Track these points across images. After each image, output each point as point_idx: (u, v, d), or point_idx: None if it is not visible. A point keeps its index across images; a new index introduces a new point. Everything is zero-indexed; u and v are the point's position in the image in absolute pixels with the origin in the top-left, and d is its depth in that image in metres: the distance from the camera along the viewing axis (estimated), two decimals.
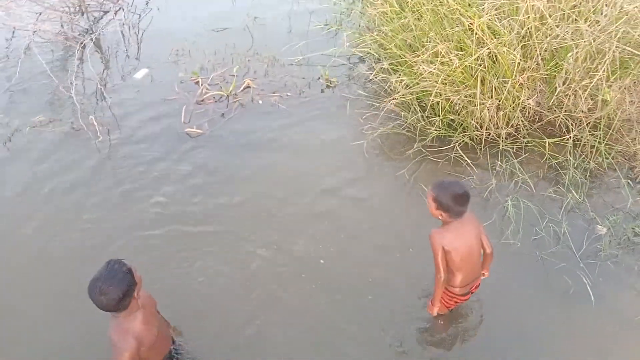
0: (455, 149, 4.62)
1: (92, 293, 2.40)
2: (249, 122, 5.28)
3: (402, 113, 4.91)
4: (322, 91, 5.65)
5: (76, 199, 4.52)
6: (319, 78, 5.79)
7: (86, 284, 2.44)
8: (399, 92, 4.84)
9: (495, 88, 4.57)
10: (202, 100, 5.56)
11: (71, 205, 4.45)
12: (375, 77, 5.14)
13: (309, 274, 3.82)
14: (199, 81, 5.80)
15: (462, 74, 4.58)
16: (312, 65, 5.97)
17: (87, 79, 5.96)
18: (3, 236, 4.19)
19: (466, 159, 4.55)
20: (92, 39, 6.63)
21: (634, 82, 4.72)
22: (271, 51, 6.23)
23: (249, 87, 5.71)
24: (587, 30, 4.38)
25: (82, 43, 6.45)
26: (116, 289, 2.39)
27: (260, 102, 5.53)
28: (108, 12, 7.46)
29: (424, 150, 4.70)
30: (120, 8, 7.50)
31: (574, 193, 4.16)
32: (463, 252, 2.90)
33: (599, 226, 4.00)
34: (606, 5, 4.58)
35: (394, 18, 5.19)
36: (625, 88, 4.61)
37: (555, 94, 4.60)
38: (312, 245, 4.03)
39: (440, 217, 2.88)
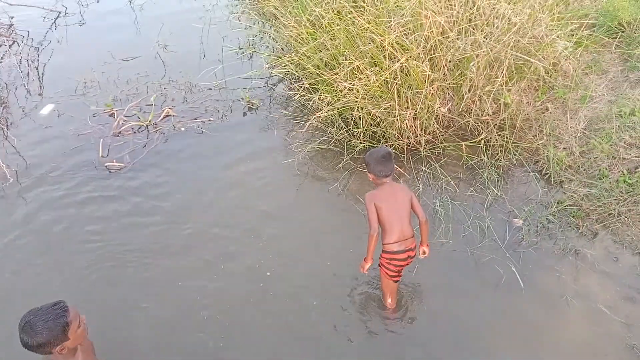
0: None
1: (20, 325, 2.25)
2: (172, 151, 5.13)
3: (328, 129, 5.05)
4: (245, 114, 5.65)
5: None
6: (240, 101, 5.78)
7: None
8: (321, 109, 4.99)
9: (410, 99, 4.87)
10: (120, 132, 5.32)
11: None
12: (299, 97, 5.24)
13: (256, 292, 3.78)
14: (113, 113, 5.55)
15: (379, 88, 4.83)
16: (231, 89, 5.96)
17: None
18: None
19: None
20: None
21: (529, 85, 5.26)
22: (187, 77, 6.14)
23: (169, 115, 5.57)
24: (483, 41, 4.84)
25: None
26: (40, 334, 2.23)
27: (183, 129, 5.41)
28: (0, 45, 6.94)
29: (352, 163, 4.86)
30: (14, 42, 7.01)
31: (492, 189, 4.51)
32: (392, 208, 3.27)
33: (515, 219, 4.36)
34: (496, 18, 5.08)
35: (308, 39, 5.36)
36: (522, 91, 5.13)
37: (463, 101, 4.99)
38: (257, 261, 4.01)
39: (372, 179, 3.38)
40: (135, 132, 5.37)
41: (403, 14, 4.91)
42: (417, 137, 4.97)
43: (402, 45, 4.85)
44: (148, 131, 5.38)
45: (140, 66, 6.42)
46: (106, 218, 4.41)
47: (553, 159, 4.67)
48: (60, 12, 7.83)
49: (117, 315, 3.65)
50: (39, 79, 6.32)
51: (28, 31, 7.24)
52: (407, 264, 3.44)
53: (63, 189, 4.69)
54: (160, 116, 5.54)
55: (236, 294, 3.80)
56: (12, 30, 7.20)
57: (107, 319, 3.55)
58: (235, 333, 3.56)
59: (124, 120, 5.44)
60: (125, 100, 5.80)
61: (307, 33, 5.38)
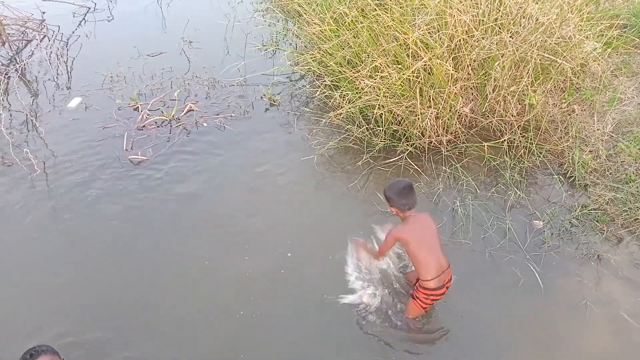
0: (401, 157, 4.80)
1: None
2: (194, 145, 5.20)
3: (348, 127, 5.04)
4: (267, 110, 5.68)
5: (16, 236, 4.26)
6: (261, 97, 5.82)
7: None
8: (342, 106, 4.98)
9: (432, 98, 4.82)
10: (144, 126, 5.41)
11: (11, 242, 4.21)
12: (320, 94, 5.25)
13: (270, 296, 3.81)
14: (138, 107, 5.65)
15: (402, 86, 4.79)
16: (254, 85, 6.00)
17: (15, 110, 5.64)
18: None
19: (413, 166, 4.74)
20: (16, 70, 6.29)
21: (555, 86, 5.16)
22: (210, 73, 6.19)
23: (192, 110, 5.64)
24: (510, 41, 4.76)
25: (6, 74, 6.11)
26: None
27: (205, 124, 5.47)
28: (31, 40, 7.13)
29: (372, 161, 4.85)
30: (44, 36, 7.19)
31: (514, 191, 4.43)
32: (422, 242, 3.16)
33: (536, 221, 4.28)
34: (523, 17, 4.99)
35: (331, 36, 5.36)
36: (548, 92, 5.03)
37: (487, 101, 4.91)
38: (274, 257, 4.03)
39: (395, 212, 3.25)
40: (158, 126, 5.45)
41: (427, 12, 4.86)
42: (438, 136, 4.92)
43: (426, 44, 4.81)
44: (171, 125, 5.46)
45: (165, 62, 6.51)
46: (129, 208, 4.50)
47: (578, 161, 4.57)
48: (89, 8, 7.99)
49: (143, 286, 3.85)
50: (67, 72, 6.47)
51: (58, 26, 7.41)
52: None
53: (88, 180, 4.78)
54: (183, 111, 5.62)
55: (254, 283, 3.87)
56: (44, 25, 7.37)
57: (133, 290, 3.80)
58: (253, 323, 3.60)
59: (148, 115, 5.53)
60: (149, 95, 5.90)
61: (330, 30, 5.38)
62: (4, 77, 6.03)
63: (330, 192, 4.65)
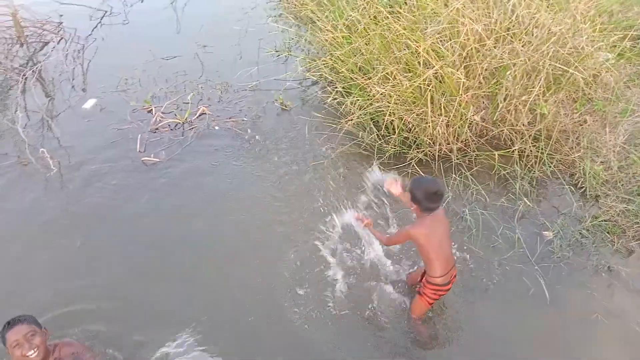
0: (411, 164, 4.81)
1: None
2: (206, 148, 5.26)
3: (359, 133, 5.07)
4: (278, 115, 5.72)
5: (31, 233, 4.34)
6: (273, 102, 5.86)
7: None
8: (354, 113, 5.01)
9: (443, 106, 4.83)
10: (157, 129, 5.48)
11: (26, 238, 4.29)
12: (331, 100, 5.28)
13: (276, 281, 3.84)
14: (152, 110, 5.73)
15: (413, 94, 4.81)
16: (266, 90, 6.05)
17: (32, 111, 5.74)
18: None
19: (422, 174, 4.75)
20: (33, 71, 6.40)
21: (567, 97, 5.15)
22: (223, 78, 6.26)
23: (204, 113, 5.70)
24: (521, 50, 4.76)
25: (23, 74, 6.22)
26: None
27: (217, 128, 5.52)
28: (49, 42, 7.25)
29: (382, 168, 4.86)
30: (61, 38, 7.32)
31: (524, 200, 4.42)
32: (435, 242, 3.18)
33: (546, 232, 4.26)
34: (536, 27, 4.99)
35: (343, 43, 5.40)
36: (559, 102, 5.02)
37: (498, 110, 4.91)
38: (282, 260, 4.06)
39: (413, 209, 3.22)
40: (171, 129, 5.52)
41: (440, 21, 4.89)
42: (449, 144, 4.93)
43: (438, 52, 4.83)
44: (184, 128, 5.52)
45: (179, 65, 6.60)
46: (142, 209, 4.57)
47: (589, 172, 4.55)
48: (106, 12, 8.13)
49: (153, 284, 3.94)
50: (83, 74, 6.58)
51: (75, 29, 7.53)
52: None
53: (102, 180, 4.87)
54: (195, 114, 5.68)
55: (262, 285, 3.91)
56: (61, 28, 7.50)
57: (142, 287, 3.89)
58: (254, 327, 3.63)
59: (162, 117, 5.61)
60: (163, 98, 5.97)
61: (343, 37, 5.42)
62: (21, 78, 6.14)
63: (340, 197, 4.66)
